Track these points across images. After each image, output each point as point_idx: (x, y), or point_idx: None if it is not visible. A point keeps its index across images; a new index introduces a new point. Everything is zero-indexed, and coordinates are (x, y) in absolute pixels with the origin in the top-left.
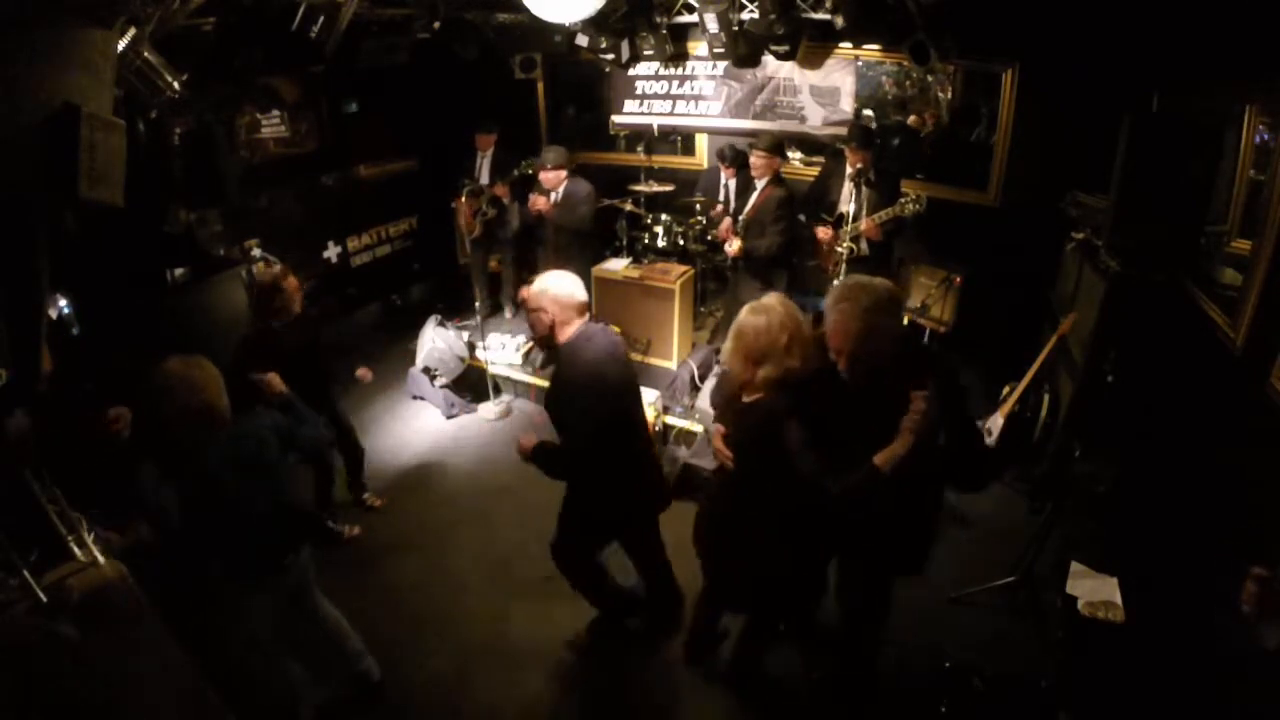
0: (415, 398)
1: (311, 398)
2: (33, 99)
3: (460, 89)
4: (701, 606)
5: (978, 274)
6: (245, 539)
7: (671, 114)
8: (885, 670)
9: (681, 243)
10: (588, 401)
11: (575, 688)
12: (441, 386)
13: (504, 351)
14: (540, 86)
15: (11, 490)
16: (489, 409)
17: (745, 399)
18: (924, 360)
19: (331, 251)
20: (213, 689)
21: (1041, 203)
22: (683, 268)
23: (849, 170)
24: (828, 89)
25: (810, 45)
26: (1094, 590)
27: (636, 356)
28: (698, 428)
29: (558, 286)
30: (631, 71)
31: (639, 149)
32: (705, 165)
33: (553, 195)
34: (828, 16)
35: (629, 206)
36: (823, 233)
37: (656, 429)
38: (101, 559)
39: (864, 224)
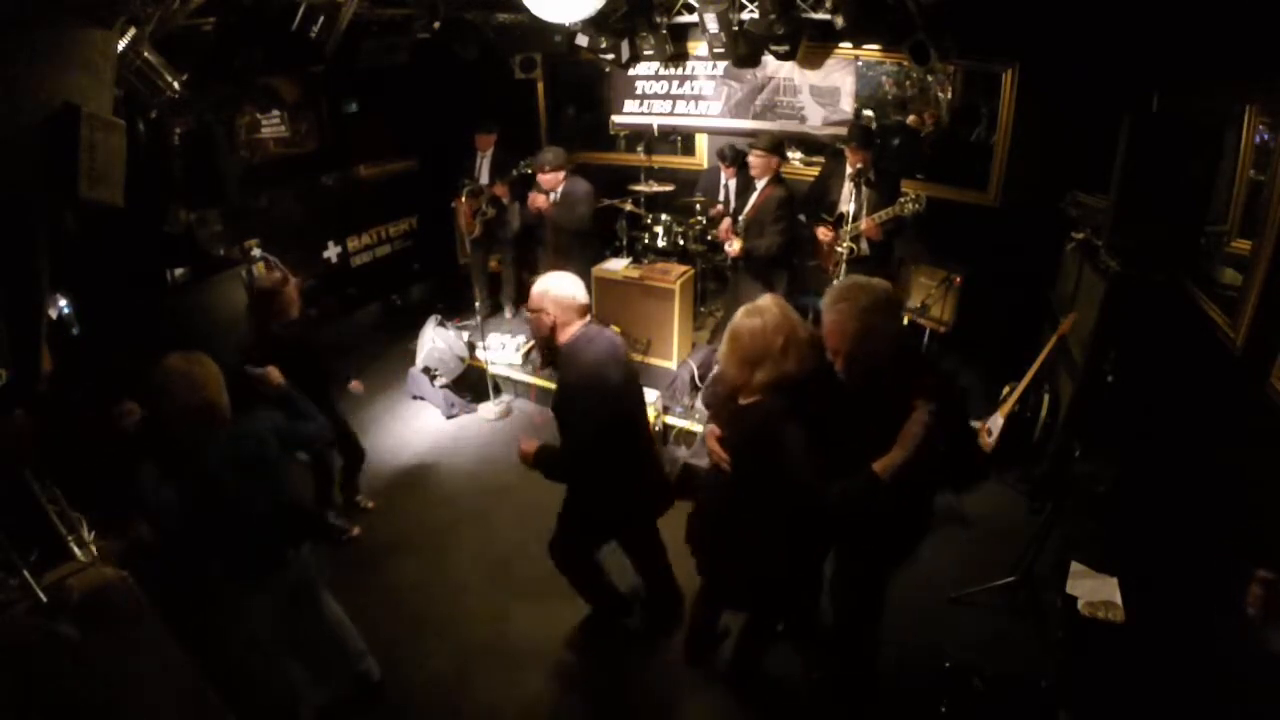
0: (415, 398)
1: (311, 400)
2: (33, 99)
3: (460, 89)
4: (699, 606)
5: (978, 274)
6: (245, 538)
7: (671, 114)
8: (885, 670)
9: (681, 243)
10: (589, 403)
11: (575, 688)
12: (441, 386)
13: (504, 351)
14: (540, 86)
15: (11, 490)
16: (489, 409)
17: (742, 401)
18: (921, 361)
19: (331, 251)
20: (213, 689)
21: (1041, 203)
22: (683, 268)
23: (849, 170)
24: (828, 89)
25: (810, 45)
26: (1094, 590)
27: (636, 356)
28: (698, 428)
29: (558, 288)
30: (631, 71)
31: (639, 149)
32: (705, 165)
33: (551, 195)
34: (828, 16)
35: (629, 206)
36: (823, 232)
37: (656, 429)
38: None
39: (864, 224)
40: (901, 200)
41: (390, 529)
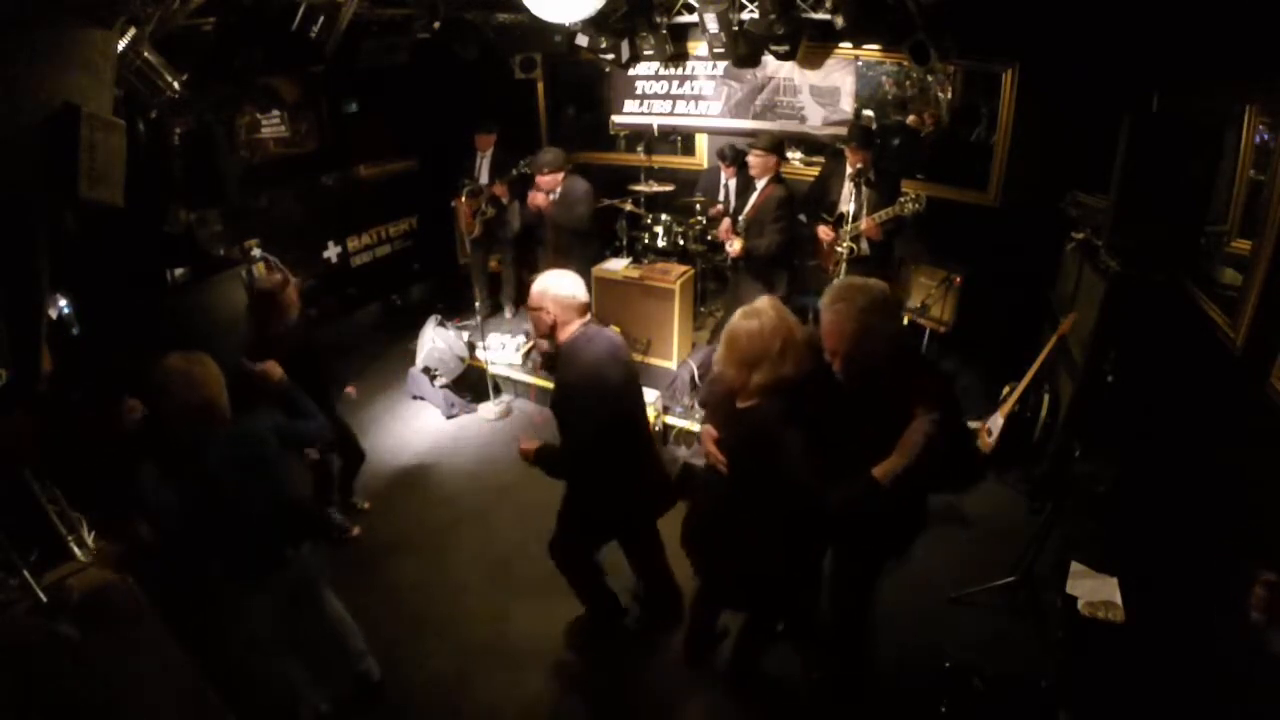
0: (415, 398)
1: (311, 400)
2: (33, 99)
3: (460, 89)
4: (698, 606)
5: (978, 274)
6: (245, 538)
7: (671, 114)
8: (885, 670)
9: (681, 243)
10: (589, 403)
11: (575, 688)
12: (441, 386)
13: (504, 351)
14: (540, 86)
15: (11, 490)
16: (489, 409)
17: (740, 405)
18: (919, 361)
19: (331, 251)
20: (213, 689)
21: (1041, 203)
22: (683, 268)
23: (849, 170)
24: (828, 89)
25: (810, 45)
26: (1094, 590)
27: (637, 356)
28: (698, 428)
29: (558, 287)
30: (631, 71)
31: (639, 149)
32: (705, 165)
33: (551, 194)
34: (828, 16)
35: (629, 206)
36: (824, 232)
37: (656, 429)
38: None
39: (864, 224)
40: (901, 200)
41: (390, 529)
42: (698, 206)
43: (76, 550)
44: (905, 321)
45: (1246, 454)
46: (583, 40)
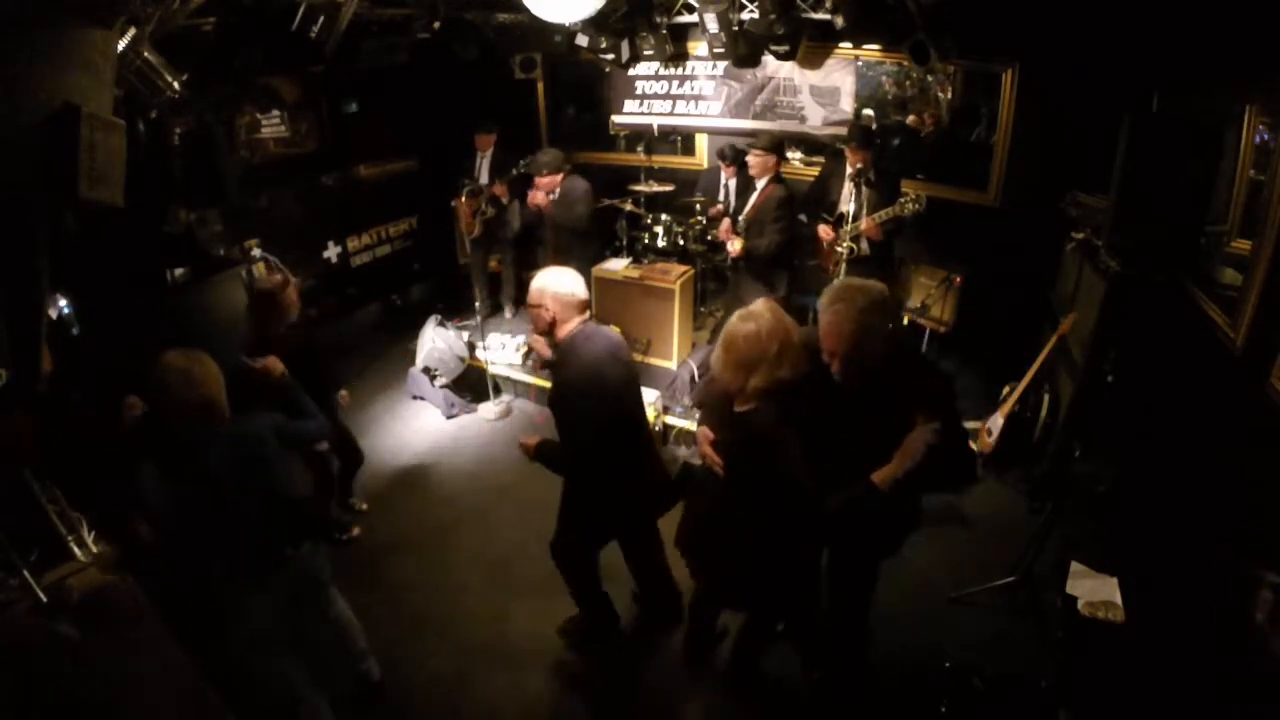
0: (415, 398)
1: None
2: (33, 99)
3: (460, 89)
4: (698, 606)
5: (978, 274)
6: (244, 538)
7: (671, 114)
8: (885, 670)
9: (681, 243)
10: (588, 403)
11: (575, 688)
12: (441, 386)
13: (504, 351)
14: (540, 86)
15: (11, 490)
16: (489, 409)
17: (737, 409)
18: (917, 361)
19: (331, 251)
20: (213, 689)
21: (1041, 203)
22: (683, 268)
23: (849, 170)
24: (828, 89)
25: (810, 45)
26: (1094, 590)
27: (637, 356)
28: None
29: (558, 284)
30: (631, 71)
31: (639, 149)
32: (705, 165)
33: (550, 194)
34: (828, 16)
35: (629, 206)
36: (824, 230)
37: (656, 429)
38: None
39: (864, 224)
40: (902, 200)
41: (390, 529)
42: (698, 206)
43: (76, 550)
44: (905, 321)
45: (1246, 454)
46: (583, 40)
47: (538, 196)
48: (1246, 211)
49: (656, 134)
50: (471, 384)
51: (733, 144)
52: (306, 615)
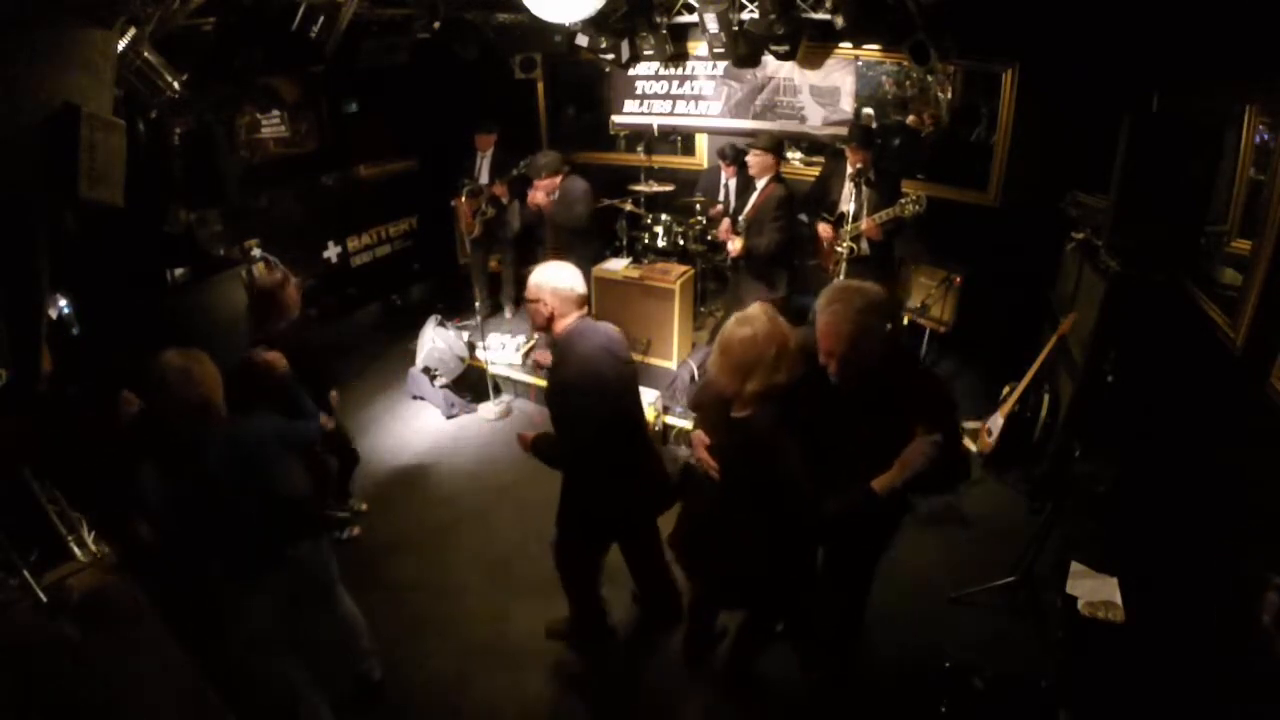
0: (415, 398)
1: (313, 398)
2: (33, 99)
3: (460, 89)
4: (697, 606)
5: (978, 274)
6: (243, 538)
7: (671, 114)
8: (885, 670)
9: (681, 243)
10: (586, 399)
11: (575, 688)
12: (441, 386)
13: (504, 351)
14: (540, 86)
15: (11, 490)
16: (489, 409)
17: (735, 415)
18: (916, 361)
19: (331, 251)
20: (213, 689)
21: (1041, 203)
22: (683, 268)
23: (849, 170)
24: (828, 89)
25: (810, 45)
26: (1094, 590)
27: (637, 356)
28: None
29: (557, 279)
30: (631, 71)
31: (639, 149)
32: (705, 165)
33: (551, 194)
34: (828, 16)
35: (629, 206)
36: (824, 229)
37: (656, 429)
38: (98, 554)
39: (864, 224)
40: (902, 201)
41: (390, 529)
42: (698, 206)
43: (76, 550)
44: (905, 321)
45: (1246, 454)
46: (583, 40)
47: (538, 196)
48: (1246, 211)
49: (656, 134)
50: (471, 384)
51: (733, 143)
52: (308, 615)
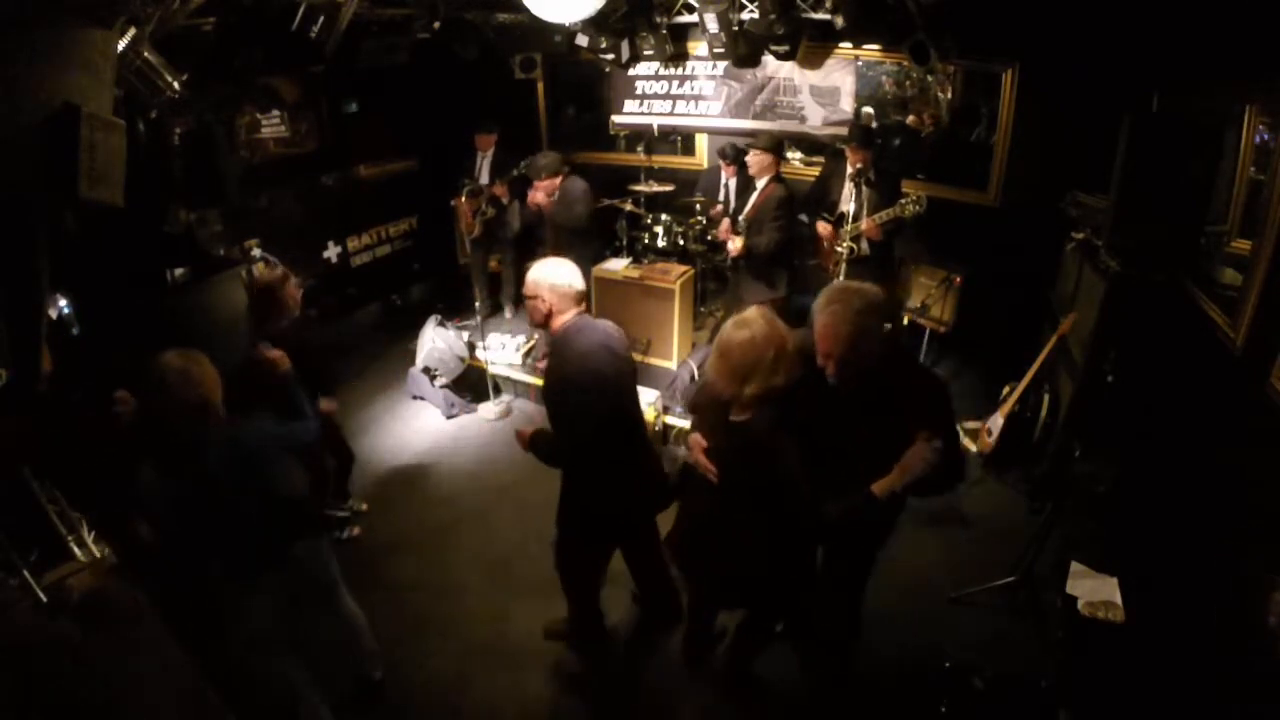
0: (415, 398)
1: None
2: (33, 99)
3: (460, 89)
4: (696, 606)
5: (978, 274)
6: (242, 538)
7: (671, 114)
8: (885, 670)
9: (681, 243)
10: (584, 396)
11: (575, 688)
12: (441, 386)
13: (504, 351)
14: (540, 86)
15: (11, 490)
16: (489, 409)
17: (733, 419)
18: (914, 361)
19: (331, 251)
20: (213, 689)
21: (1041, 203)
22: (683, 268)
23: (849, 170)
24: (828, 89)
25: (810, 45)
26: (1094, 590)
27: (637, 356)
28: None
29: (555, 275)
30: (631, 71)
31: (639, 149)
32: (705, 165)
33: (551, 195)
34: (828, 16)
35: (629, 206)
36: (823, 227)
37: (656, 429)
38: (99, 555)
39: (864, 224)
40: (902, 202)
41: (390, 529)
42: (698, 206)
43: (76, 550)
44: (905, 321)
45: (1246, 454)
46: (583, 40)
47: (538, 196)
48: (1246, 211)
49: (656, 134)
50: (471, 384)
51: (733, 143)
52: (308, 615)
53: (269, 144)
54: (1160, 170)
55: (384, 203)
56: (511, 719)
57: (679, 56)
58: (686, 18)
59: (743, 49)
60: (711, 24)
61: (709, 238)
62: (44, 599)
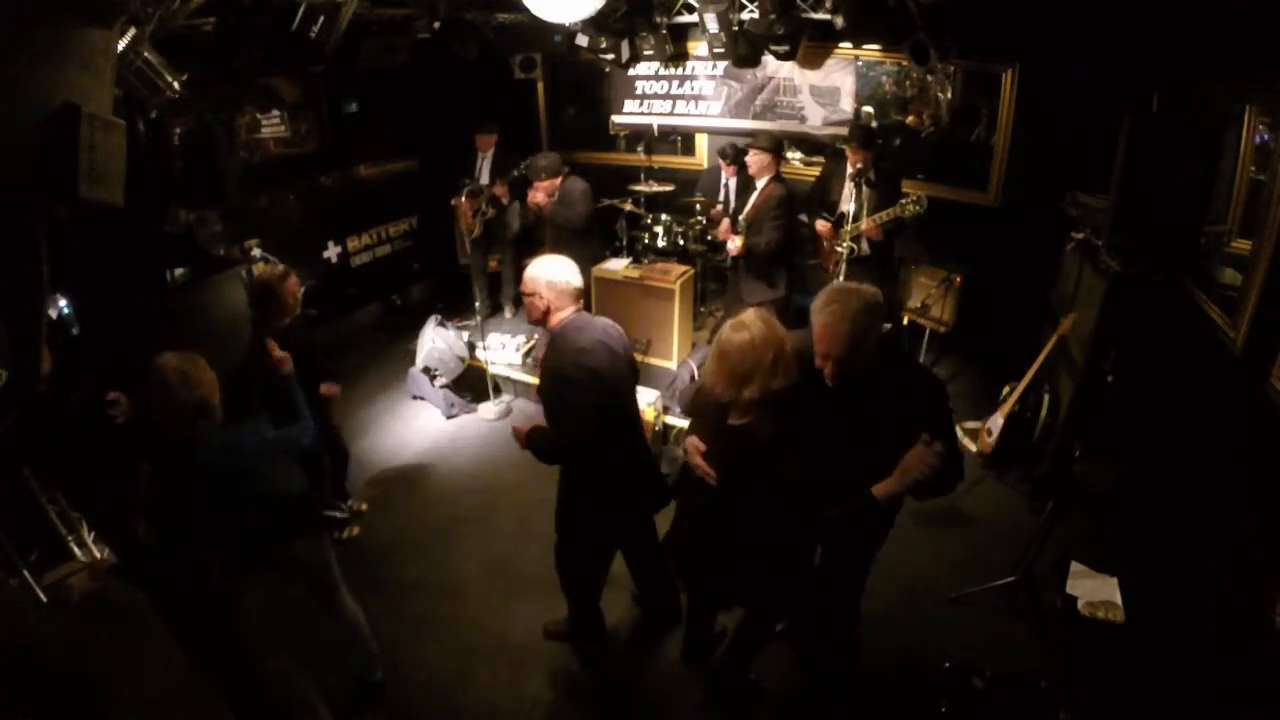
0: (415, 398)
1: (307, 396)
2: (33, 99)
3: (460, 89)
4: (695, 606)
5: (978, 274)
6: (240, 539)
7: (671, 114)
8: (885, 670)
9: (681, 243)
10: (579, 394)
11: (575, 688)
12: (441, 386)
13: (504, 351)
14: (540, 86)
15: (11, 490)
16: (489, 409)
17: (733, 423)
18: (912, 364)
19: (331, 251)
20: (213, 689)
21: (1041, 203)
22: (683, 268)
23: (849, 170)
24: (828, 89)
25: (810, 45)
26: (1094, 590)
27: (637, 356)
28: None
29: (553, 272)
30: (631, 71)
31: (639, 149)
32: (705, 165)
33: (551, 195)
34: (828, 16)
35: (629, 206)
36: (822, 225)
37: (656, 429)
38: (100, 557)
39: (864, 224)
40: (903, 202)
41: (390, 529)
42: (698, 206)
43: (76, 550)
44: (905, 321)
45: (1246, 454)
46: (583, 40)
47: (538, 196)
48: (1246, 211)
49: (656, 134)
50: (471, 384)
51: (733, 143)
52: (308, 615)
53: (269, 144)
54: (1160, 170)
55: (384, 203)
56: (511, 719)
57: (679, 56)
58: (686, 18)
59: (743, 49)
60: (711, 24)
61: (709, 238)
62: (44, 599)
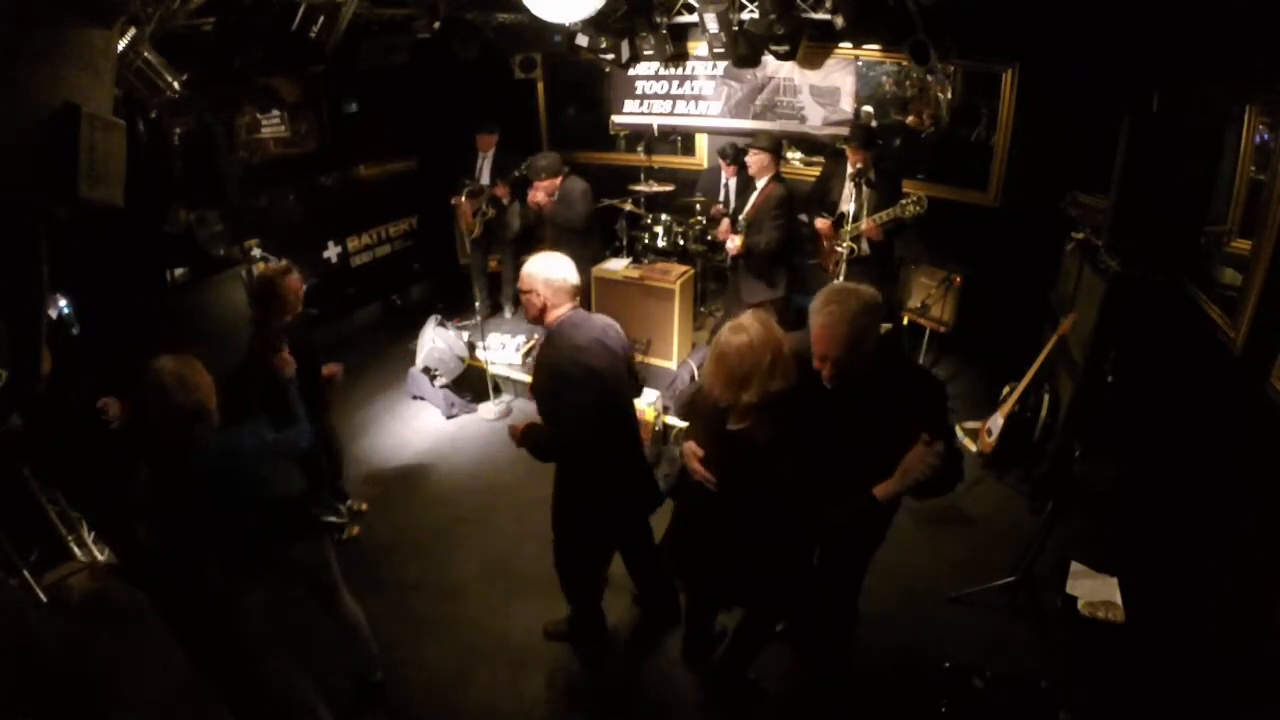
0: (415, 398)
1: (303, 399)
2: (33, 99)
3: (460, 89)
4: (695, 606)
5: (978, 274)
6: (238, 540)
7: (671, 114)
8: (885, 670)
9: (681, 243)
10: (583, 395)
11: (575, 688)
12: (441, 386)
13: (504, 351)
14: (540, 86)
15: (11, 490)
16: (489, 409)
17: (732, 428)
18: (912, 364)
19: (331, 251)
20: (212, 689)
21: (1041, 203)
22: (683, 268)
23: (849, 170)
24: (828, 89)
25: (810, 45)
26: (1094, 590)
27: (637, 356)
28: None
29: (549, 269)
30: (631, 71)
31: (639, 149)
32: (705, 165)
33: (551, 195)
34: (828, 16)
35: (629, 206)
36: (821, 223)
37: (656, 429)
38: (100, 557)
39: (864, 224)
40: (903, 202)
41: (390, 529)
42: (698, 206)
43: (76, 550)
44: (905, 321)
45: (1246, 454)
46: (583, 40)
47: (538, 196)
48: (1246, 211)
49: (656, 134)
50: (471, 384)
51: (733, 143)
52: (308, 615)
53: (269, 144)
54: (1160, 170)
55: (384, 203)
56: (511, 719)
57: (679, 56)
58: (686, 18)
59: (743, 49)
60: (711, 24)
61: (709, 238)
62: (44, 599)
